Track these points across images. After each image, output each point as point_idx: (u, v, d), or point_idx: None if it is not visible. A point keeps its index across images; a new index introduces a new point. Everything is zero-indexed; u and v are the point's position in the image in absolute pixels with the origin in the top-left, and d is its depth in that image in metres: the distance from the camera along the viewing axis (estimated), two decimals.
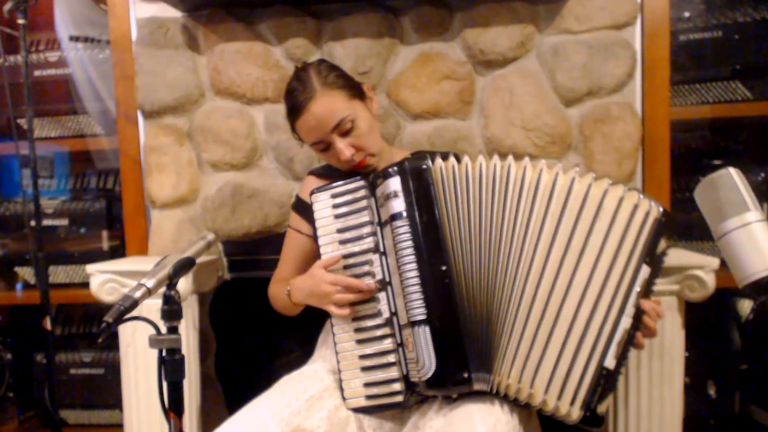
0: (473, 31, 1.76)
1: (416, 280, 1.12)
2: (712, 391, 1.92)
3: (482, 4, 1.75)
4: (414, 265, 1.12)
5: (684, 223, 1.89)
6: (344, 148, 1.31)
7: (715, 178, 1.07)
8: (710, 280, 1.46)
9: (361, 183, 1.22)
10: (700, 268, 1.46)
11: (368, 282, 1.20)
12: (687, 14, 1.93)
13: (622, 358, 1.14)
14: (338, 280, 1.22)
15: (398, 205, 1.14)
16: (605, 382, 1.12)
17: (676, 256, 1.59)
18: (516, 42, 1.75)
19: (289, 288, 1.33)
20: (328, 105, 1.29)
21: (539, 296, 1.13)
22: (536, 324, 1.13)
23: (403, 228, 1.13)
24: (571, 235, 1.13)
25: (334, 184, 1.25)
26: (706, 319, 1.92)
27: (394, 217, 1.14)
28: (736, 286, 1.04)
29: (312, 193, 1.27)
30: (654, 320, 1.17)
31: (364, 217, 1.21)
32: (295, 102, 1.32)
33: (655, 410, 1.50)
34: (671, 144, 1.76)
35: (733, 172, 1.06)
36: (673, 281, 1.48)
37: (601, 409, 1.14)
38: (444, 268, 1.12)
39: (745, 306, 1.99)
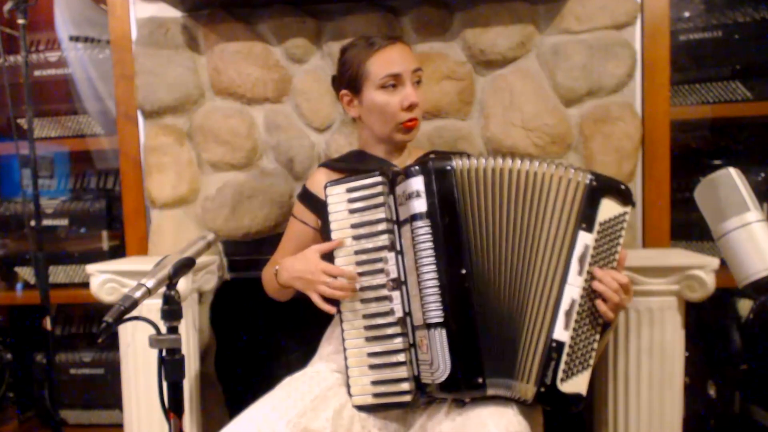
0: (473, 31, 1.76)
1: (434, 282, 1.11)
2: (712, 391, 1.92)
3: (482, 4, 1.75)
4: (433, 267, 1.11)
5: (684, 223, 1.88)
6: (413, 92, 1.34)
7: (715, 178, 1.07)
8: (710, 280, 1.46)
9: (380, 179, 1.20)
10: (700, 268, 1.46)
11: (379, 280, 1.19)
12: (687, 14, 1.93)
13: (580, 331, 1.12)
14: (331, 269, 1.22)
15: (420, 205, 1.13)
16: (558, 355, 1.10)
17: (676, 256, 1.59)
18: (516, 42, 1.75)
19: (278, 267, 1.32)
20: (411, 51, 1.41)
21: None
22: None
23: (423, 229, 1.12)
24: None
25: (351, 179, 1.24)
26: (706, 319, 1.92)
27: (415, 217, 1.13)
28: (736, 286, 1.04)
29: (327, 186, 1.25)
30: (610, 286, 1.12)
31: (381, 213, 1.19)
32: (376, 40, 1.37)
33: (655, 410, 1.50)
34: (671, 144, 1.76)
35: (733, 172, 1.06)
36: (673, 281, 1.48)
37: (567, 387, 1.11)
38: (464, 271, 1.11)
39: (745, 306, 1.99)
